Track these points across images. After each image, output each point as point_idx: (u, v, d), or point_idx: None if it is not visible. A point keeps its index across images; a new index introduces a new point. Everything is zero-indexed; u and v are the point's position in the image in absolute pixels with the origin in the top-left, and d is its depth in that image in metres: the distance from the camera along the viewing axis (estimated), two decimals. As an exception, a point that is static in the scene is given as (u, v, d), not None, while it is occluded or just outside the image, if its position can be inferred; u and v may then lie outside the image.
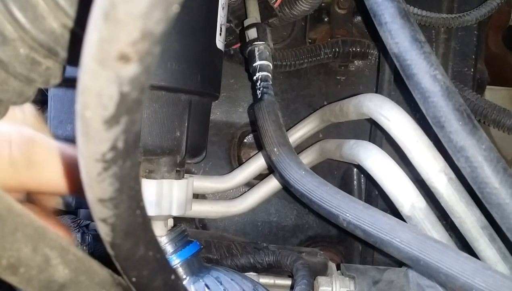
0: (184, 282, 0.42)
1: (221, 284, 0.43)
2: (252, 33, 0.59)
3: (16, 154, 0.25)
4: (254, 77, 0.57)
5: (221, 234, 0.60)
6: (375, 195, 0.61)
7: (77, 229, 0.55)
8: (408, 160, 0.46)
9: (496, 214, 0.37)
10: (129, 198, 0.18)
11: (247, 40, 0.59)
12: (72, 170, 0.26)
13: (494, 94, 0.85)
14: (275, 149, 0.48)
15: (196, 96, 0.44)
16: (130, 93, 0.15)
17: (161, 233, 0.44)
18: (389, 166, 0.45)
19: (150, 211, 0.41)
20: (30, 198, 0.29)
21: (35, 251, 0.19)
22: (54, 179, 0.28)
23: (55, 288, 0.20)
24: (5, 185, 0.24)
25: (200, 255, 0.46)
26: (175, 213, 0.43)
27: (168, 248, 0.43)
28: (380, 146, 0.51)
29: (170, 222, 0.46)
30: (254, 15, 0.61)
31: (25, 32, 0.20)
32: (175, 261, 0.43)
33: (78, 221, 0.56)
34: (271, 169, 0.62)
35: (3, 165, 0.25)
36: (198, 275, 0.43)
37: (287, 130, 0.57)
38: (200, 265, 0.44)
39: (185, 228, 0.45)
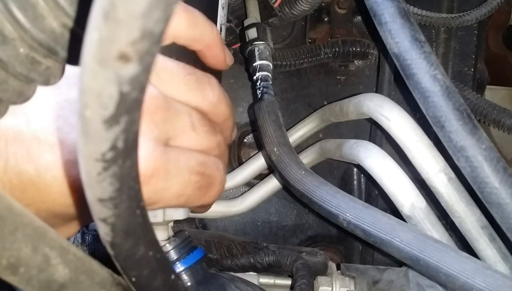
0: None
1: (225, 291, 0.42)
2: (252, 33, 0.59)
3: None
4: (254, 77, 0.57)
5: (221, 233, 0.60)
6: (375, 195, 0.61)
7: (77, 229, 0.55)
8: (408, 159, 0.46)
9: (496, 214, 0.37)
10: (129, 197, 0.18)
11: (247, 40, 0.59)
12: None
13: (494, 94, 0.85)
14: (275, 149, 0.48)
15: (196, 96, 0.44)
16: (130, 93, 0.15)
17: (163, 237, 0.43)
18: (389, 165, 0.45)
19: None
20: None
21: (35, 251, 0.19)
22: None
23: (55, 288, 0.20)
24: None
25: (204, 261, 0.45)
26: (168, 217, 0.42)
27: (172, 255, 0.42)
28: (380, 145, 0.51)
29: (171, 224, 0.45)
30: (254, 15, 0.61)
31: (25, 32, 0.20)
32: (179, 269, 0.42)
33: (78, 221, 0.56)
34: (271, 169, 0.62)
35: None
36: (203, 282, 0.42)
37: (287, 130, 0.57)
38: (204, 272, 0.43)
39: (189, 234, 0.44)
